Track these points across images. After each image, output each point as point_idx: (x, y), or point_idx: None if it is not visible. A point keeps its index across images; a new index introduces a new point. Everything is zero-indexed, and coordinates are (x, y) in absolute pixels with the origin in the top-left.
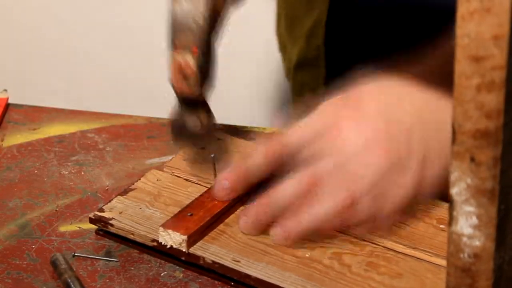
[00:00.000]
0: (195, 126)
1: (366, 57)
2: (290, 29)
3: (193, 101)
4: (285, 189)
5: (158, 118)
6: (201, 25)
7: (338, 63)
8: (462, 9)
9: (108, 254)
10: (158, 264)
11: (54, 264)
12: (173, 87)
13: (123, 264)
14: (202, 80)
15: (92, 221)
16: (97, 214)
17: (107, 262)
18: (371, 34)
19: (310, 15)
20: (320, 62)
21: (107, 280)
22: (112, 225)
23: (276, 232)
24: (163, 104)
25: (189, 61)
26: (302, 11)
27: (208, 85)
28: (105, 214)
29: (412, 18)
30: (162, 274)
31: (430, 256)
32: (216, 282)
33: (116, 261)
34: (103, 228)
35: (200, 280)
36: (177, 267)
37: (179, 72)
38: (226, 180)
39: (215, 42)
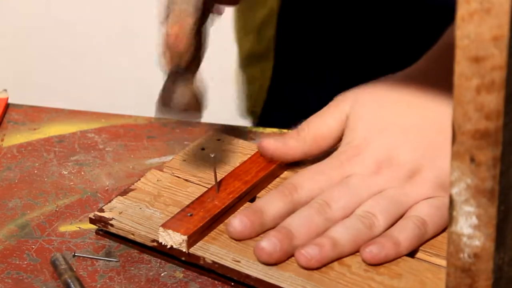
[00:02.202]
0: (183, 97)
1: (316, 48)
2: (241, 22)
3: (183, 73)
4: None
5: (158, 118)
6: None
7: (287, 56)
8: (461, 10)
9: (108, 254)
10: (158, 264)
11: (54, 264)
12: (164, 55)
13: (123, 264)
14: (193, 52)
15: (92, 221)
16: (97, 214)
17: (107, 262)
18: (322, 25)
19: (263, 6)
20: (270, 55)
21: (107, 280)
22: (112, 225)
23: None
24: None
25: (183, 30)
26: (253, 3)
27: (198, 61)
28: (105, 214)
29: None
30: (162, 274)
31: (430, 256)
32: (216, 282)
33: (116, 261)
34: (103, 228)
35: (200, 280)
36: (177, 267)
37: (173, 40)
38: (244, 216)
39: (207, 22)
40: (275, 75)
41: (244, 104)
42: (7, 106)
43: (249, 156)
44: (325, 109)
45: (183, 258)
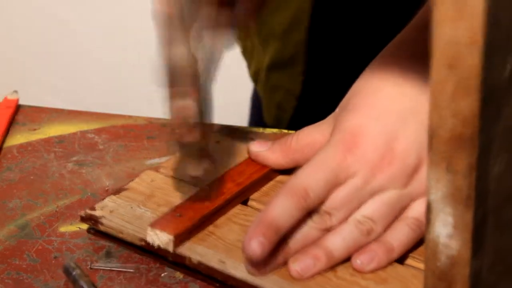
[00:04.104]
0: (197, 172)
1: (349, 49)
2: (261, 28)
3: (194, 147)
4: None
5: (158, 119)
6: (197, 68)
7: (317, 59)
8: (437, 14)
9: (108, 254)
10: (158, 264)
11: (67, 271)
12: (174, 133)
13: (123, 265)
14: (202, 124)
15: (82, 219)
16: (87, 212)
17: (107, 263)
18: (357, 26)
19: (286, 9)
20: (299, 59)
21: (107, 281)
22: (102, 223)
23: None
24: (163, 104)
25: (190, 105)
26: (274, 7)
27: (207, 129)
28: (96, 213)
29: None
30: (162, 274)
31: (418, 262)
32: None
33: (132, 272)
34: (93, 226)
35: (200, 280)
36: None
37: (181, 118)
38: (261, 236)
39: (210, 83)
40: (306, 80)
41: (269, 112)
42: (18, 107)
43: (245, 158)
44: (318, 122)
45: (169, 258)
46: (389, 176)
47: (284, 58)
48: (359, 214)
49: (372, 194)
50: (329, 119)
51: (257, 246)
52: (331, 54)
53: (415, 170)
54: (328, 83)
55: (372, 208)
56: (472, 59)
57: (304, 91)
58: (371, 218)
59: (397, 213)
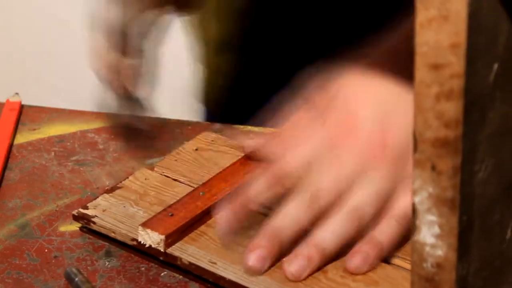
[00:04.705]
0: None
1: (291, 38)
2: (215, 7)
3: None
4: (288, 218)
5: (157, 118)
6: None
7: (256, 45)
8: (420, 17)
9: (108, 254)
10: (158, 264)
11: (69, 277)
12: (109, 84)
13: (123, 264)
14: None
15: (75, 218)
16: (80, 211)
17: (107, 262)
18: (298, 14)
19: None
20: (238, 44)
21: (107, 280)
22: (94, 222)
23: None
24: (162, 104)
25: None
26: None
27: (144, 85)
28: (89, 212)
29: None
30: (162, 274)
31: (407, 263)
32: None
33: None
34: (86, 225)
35: (200, 280)
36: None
37: (113, 70)
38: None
39: (153, 46)
40: (244, 66)
41: (201, 90)
42: (22, 108)
43: (239, 158)
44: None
45: (161, 258)
46: (380, 167)
47: (223, 42)
48: (350, 205)
49: (362, 184)
50: (310, 110)
51: (257, 261)
52: (272, 41)
53: (405, 163)
54: (269, 69)
55: (361, 198)
56: (456, 62)
57: (242, 76)
58: (360, 209)
59: (385, 204)
